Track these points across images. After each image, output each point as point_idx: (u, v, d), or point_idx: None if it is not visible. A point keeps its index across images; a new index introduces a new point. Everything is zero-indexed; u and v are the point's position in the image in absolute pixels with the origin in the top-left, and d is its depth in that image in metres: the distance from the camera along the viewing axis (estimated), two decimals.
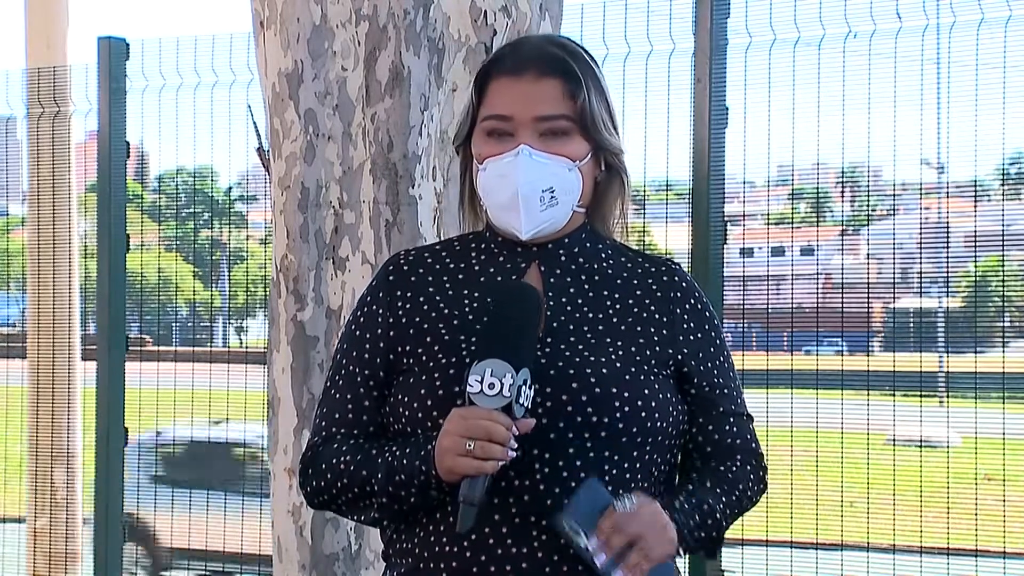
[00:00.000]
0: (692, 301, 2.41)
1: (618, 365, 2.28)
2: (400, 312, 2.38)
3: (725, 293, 5.08)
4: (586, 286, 2.38)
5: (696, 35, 4.98)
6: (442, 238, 3.40)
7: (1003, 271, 5.15)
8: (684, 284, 2.42)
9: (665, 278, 2.41)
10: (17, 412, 7.42)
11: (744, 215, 5.56)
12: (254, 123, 4.54)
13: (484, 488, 2.15)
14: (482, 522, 2.20)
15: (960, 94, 4.91)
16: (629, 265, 2.42)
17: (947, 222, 5.21)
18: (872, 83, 5.00)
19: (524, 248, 2.40)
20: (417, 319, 2.36)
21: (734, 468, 2.37)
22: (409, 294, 2.39)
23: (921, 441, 5.13)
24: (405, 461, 2.24)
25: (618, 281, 2.40)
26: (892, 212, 5.68)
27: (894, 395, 5.13)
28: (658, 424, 2.28)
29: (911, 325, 5.86)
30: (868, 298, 5.74)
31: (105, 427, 6.22)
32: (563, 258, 2.39)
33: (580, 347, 2.29)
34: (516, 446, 2.16)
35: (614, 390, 2.25)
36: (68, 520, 7.04)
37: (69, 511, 7.03)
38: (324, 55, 3.76)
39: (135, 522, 6.60)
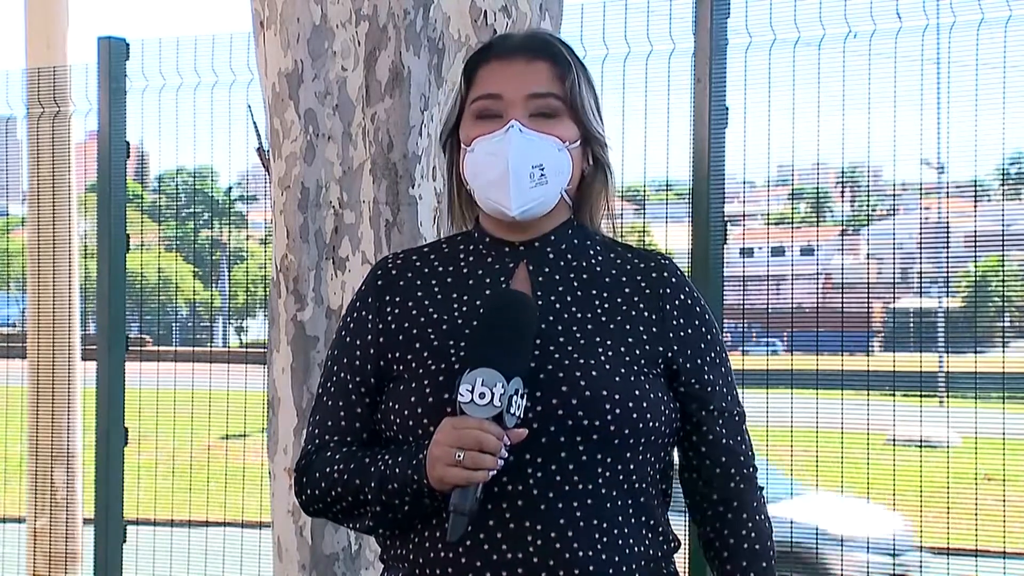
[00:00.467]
0: (682, 297, 2.40)
1: (608, 367, 2.27)
2: (389, 318, 2.37)
3: (725, 293, 5.08)
4: (575, 284, 2.36)
5: (696, 35, 4.98)
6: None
7: (1003, 271, 5.14)
8: (674, 279, 2.40)
9: (654, 274, 2.40)
10: (17, 412, 7.42)
11: (744, 215, 5.56)
12: (254, 123, 4.54)
13: (475, 497, 2.15)
14: (477, 527, 2.20)
15: (960, 94, 4.91)
16: (618, 261, 2.41)
17: (947, 222, 5.21)
18: (872, 83, 4.99)
19: (512, 247, 2.38)
20: (406, 325, 2.35)
21: (748, 521, 2.39)
22: (398, 299, 2.38)
23: (921, 441, 5.13)
24: (398, 470, 2.23)
25: (607, 279, 2.38)
26: (892, 212, 5.68)
27: (894, 395, 5.13)
28: (651, 424, 2.27)
29: (911, 325, 5.86)
30: (868, 298, 5.74)
31: (105, 427, 6.22)
32: (551, 256, 2.38)
33: (570, 349, 2.28)
34: (506, 455, 2.15)
35: (605, 392, 2.24)
36: (68, 520, 7.04)
37: (69, 511, 7.03)
38: (324, 55, 3.76)
39: None
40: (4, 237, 8.37)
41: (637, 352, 2.31)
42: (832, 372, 5.14)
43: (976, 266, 5.23)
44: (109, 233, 6.22)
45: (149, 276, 7.50)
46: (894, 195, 5.51)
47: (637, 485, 2.28)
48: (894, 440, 5.19)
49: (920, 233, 5.22)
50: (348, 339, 2.40)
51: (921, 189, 5.30)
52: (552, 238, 2.39)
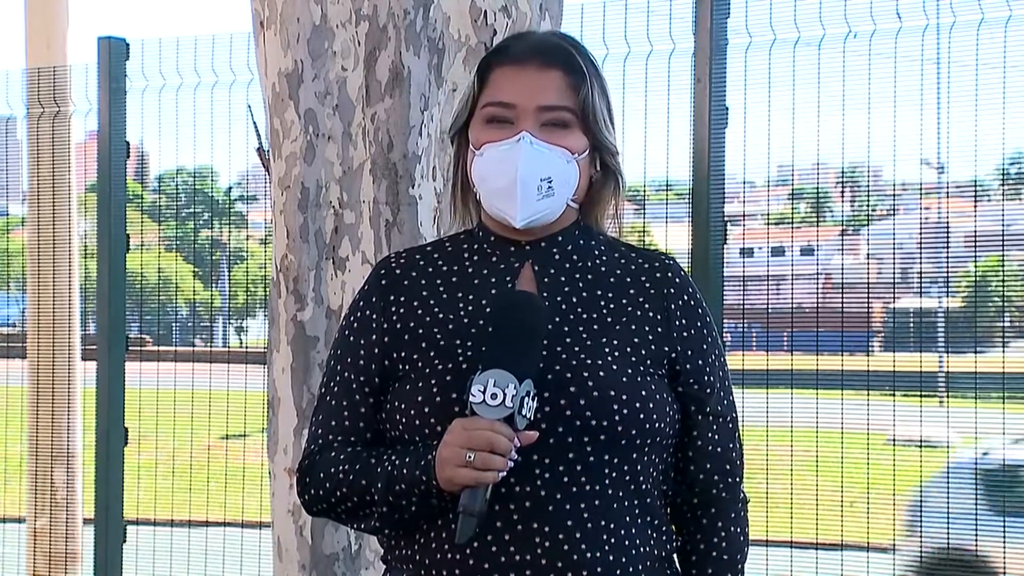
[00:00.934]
0: (685, 297, 2.40)
1: (615, 367, 2.27)
2: (394, 317, 2.36)
3: (725, 293, 5.08)
4: (580, 285, 2.36)
5: (696, 35, 4.98)
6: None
7: (1003, 271, 5.15)
8: (678, 280, 2.40)
9: (659, 274, 2.40)
10: (17, 412, 7.42)
11: (744, 215, 5.56)
12: (254, 123, 4.54)
13: (485, 499, 2.14)
14: (484, 528, 2.19)
15: (960, 94, 4.91)
16: (623, 261, 2.41)
17: (947, 222, 5.21)
18: (872, 83, 5.00)
19: (517, 247, 2.38)
20: (412, 324, 2.34)
21: (722, 531, 2.39)
22: (403, 298, 2.37)
23: (921, 441, 5.13)
24: (405, 471, 2.22)
25: (612, 279, 2.38)
26: (892, 212, 5.68)
27: (894, 395, 5.13)
28: (656, 425, 2.27)
29: (911, 325, 5.86)
30: (868, 298, 5.74)
31: (105, 427, 6.22)
32: (556, 256, 2.38)
33: (576, 349, 2.28)
34: (516, 457, 2.15)
35: (612, 393, 2.24)
36: (68, 520, 7.04)
37: (69, 511, 7.03)
38: (324, 55, 3.76)
39: None
40: (4, 237, 8.38)
41: (643, 352, 2.32)
42: (832, 372, 5.14)
43: (976, 266, 5.23)
44: (109, 233, 6.22)
45: (149, 276, 7.50)
46: (894, 195, 5.52)
47: (643, 486, 2.28)
48: (894, 440, 5.19)
49: (920, 233, 5.23)
50: (352, 338, 2.39)
51: (921, 189, 5.31)
52: (559, 239, 2.39)
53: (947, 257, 5.17)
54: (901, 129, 4.94)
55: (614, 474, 2.25)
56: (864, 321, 5.63)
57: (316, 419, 2.41)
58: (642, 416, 2.25)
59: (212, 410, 6.57)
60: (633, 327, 2.34)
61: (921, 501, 5.01)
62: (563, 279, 2.37)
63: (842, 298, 5.39)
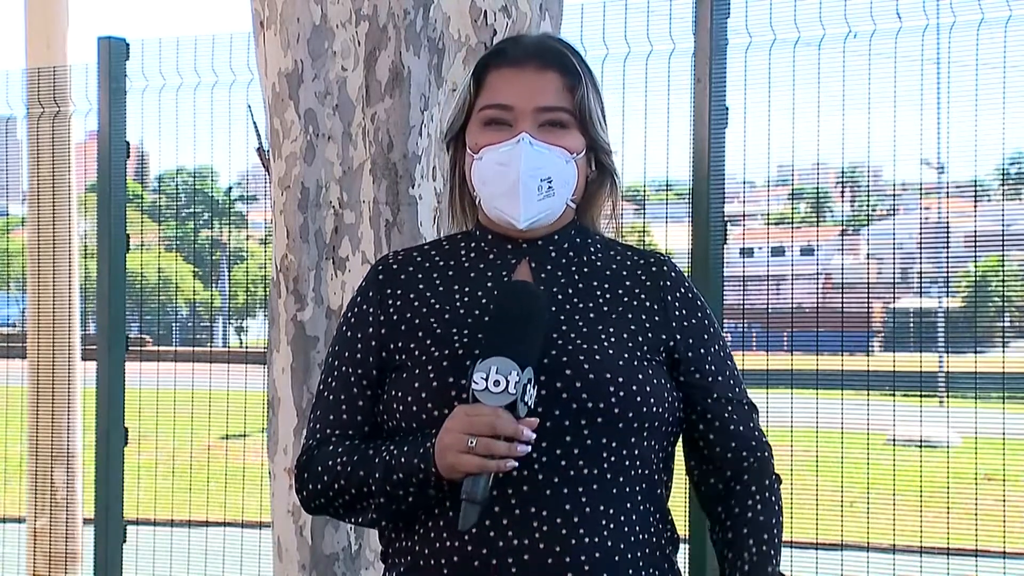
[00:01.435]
0: (682, 290, 2.42)
1: (611, 352, 2.28)
2: (391, 310, 2.38)
3: (725, 293, 5.08)
4: (576, 278, 2.38)
5: (696, 35, 4.98)
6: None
7: (1003, 271, 5.15)
8: (674, 274, 2.43)
9: (654, 268, 2.42)
10: (17, 412, 7.42)
11: (744, 215, 5.56)
12: (254, 123, 4.54)
13: (487, 486, 2.14)
14: (482, 515, 2.19)
15: (960, 94, 4.91)
16: (618, 258, 2.43)
17: (947, 222, 5.21)
18: (872, 83, 5.00)
19: (514, 245, 2.40)
20: (408, 315, 2.36)
21: (756, 494, 2.37)
22: (399, 292, 2.39)
23: (921, 441, 5.13)
24: (403, 459, 2.23)
25: (608, 272, 2.40)
26: (892, 212, 5.68)
27: (894, 395, 5.13)
28: (654, 409, 2.28)
29: (911, 325, 5.86)
30: (868, 298, 5.74)
31: (105, 427, 6.22)
32: (553, 254, 2.40)
33: (573, 336, 2.29)
34: (528, 448, 2.15)
35: (608, 376, 2.25)
36: (68, 520, 7.04)
37: (69, 511, 7.03)
38: (324, 55, 3.76)
39: None
40: (4, 237, 8.38)
41: (640, 339, 2.33)
42: (832, 372, 5.14)
43: (976, 266, 5.23)
44: (109, 233, 6.22)
45: (149, 276, 7.50)
46: (894, 195, 5.52)
47: (642, 472, 2.29)
48: (894, 440, 5.19)
49: (920, 233, 5.22)
50: (349, 333, 2.41)
51: (921, 189, 5.30)
52: (555, 237, 2.42)
53: (947, 257, 5.17)
54: (901, 129, 4.94)
55: (612, 458, 2.25)
56: (864, 321, 5.63)
57: (314, 414, 2.42)
58: (639, 399, 2.26)
59: (212, 410, 6.57)
60: (630, 315, 2.35)
61: None
62: (559, 273, 2.39)
63: (842, 298, 5.39)
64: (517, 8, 3.79)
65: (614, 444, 2.26)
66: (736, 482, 2.38)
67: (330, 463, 2.32)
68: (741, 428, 2.39)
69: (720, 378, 2.39)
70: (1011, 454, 4.89)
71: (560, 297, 2.35)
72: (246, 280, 7.46)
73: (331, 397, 2.40)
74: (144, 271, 7.39)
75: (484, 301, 2.33)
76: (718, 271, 5.00)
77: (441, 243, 2.48)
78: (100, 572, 6.30)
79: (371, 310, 2.39)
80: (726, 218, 5.06)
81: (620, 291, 2.38)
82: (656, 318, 2.37)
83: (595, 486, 2.24)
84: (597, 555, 2.22)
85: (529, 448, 2.15)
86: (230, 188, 8.10)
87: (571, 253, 2.41)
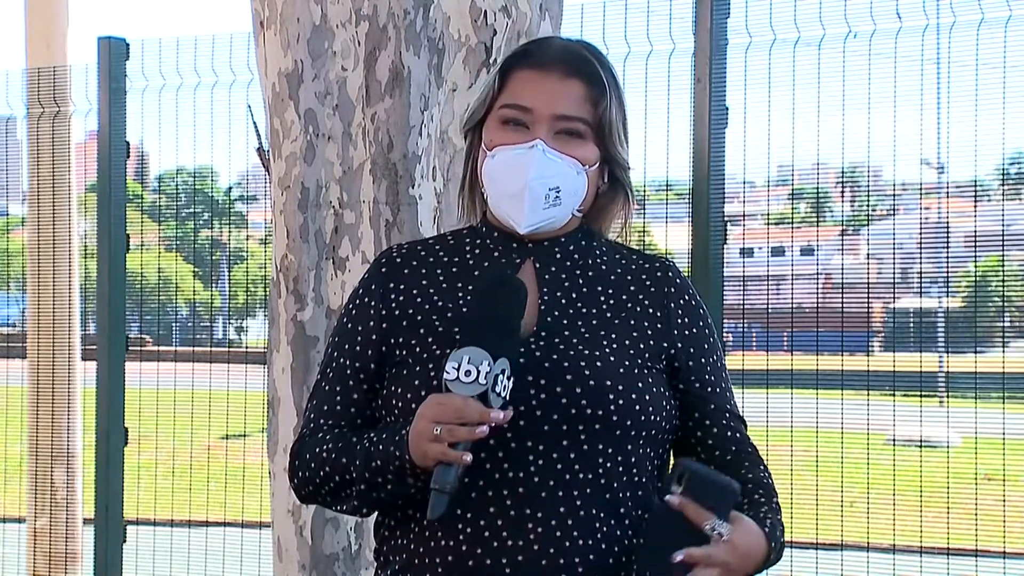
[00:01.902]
0: (686, 298, 2.41)
1: (612, 359, 2.28)
2: (393, 304, 2.38)
3: (725, 293, 5.08)
4: (580, 282, 2.38)
5: (696, 35, 4.98)
6: None
7: (1003, 271, 5.15)
8: (678, 281, 2.42)
9: (659, 274, 2.42)
10: (17, 412, 7.42)
11: (744, 215, 5.56)
12: (254, 123, 4.54)
13: (457, 476, 2.14)
14: (478, 515, 2.21)
15: (960, 94, 4.92)
16: (623, 262, 2.43)
17: (947, 222, 5.21)
18: (872, 83, 5.00)
19: (520, 244, 2.40)
20: (410, 311, 2.36)
21: (763, 475, 2.36)
22: (402, 286, 2.39)
23: (921, 441, 5.13)
24: (381, 447, 2.24)
25: (612, 277, 2.40)
26: (892, 212, 5.68)
27: (894, 395, 5.13)
28: (652, 417, 2.29)
29: (911, 325, 5.86)
30: (868, 298, 5.74)
31: (105, 427, 6.22)
32: (558, 255, 2.40)
33: (574, 340, 2.30)
34: (486, 429, 2.15)
35: (608, 383, 2.26)
36: (68, 520, 7.04)
37: (69, 511, 7.03)
38: (324, 55, 3.76)
39: None
40: (4, 237, 8.38)
41: (641, 347, 2.33)
42: (832, 372, 5.14)
43: (976, 266, 5.23)
44: (109, 233, 6.22)
45: (149, 276, 7.50)
46: (894, 195, 5.52)
47: (637, 478, 2.29)
48: (894, 440, 5.19)
49: (920, 233, 5.23)
50: (349, 325, 2.41)
51: (921, 189, 5.31)
52: (561, 240, 2.41)
53: (947, 257, 5.17)
54: (901, 129, 4.95)
55: (608, 464, 2.26)
56: (864, 321, 5.63)
57: (310, 404, 2.43)
58: (638, 407, 2.27)
59: (212, 410, 6.57)
60: (632, 322, 2.35)
61: None
62: (563, 276, 2.38)
63: (842, 298, 5.39)
64: (517, 8, 3.79)
65: (610, 450, 2.26)
66: (733, 474, 2.38)
67: (318, 450, 2.34)
68: (739, 435, 2.40)
69: (718, 389, 2.40)
70: (1011, 454, 4.89)
71: (563, 301, 2.35)
72: (246, 280, 7.46)
73: (327, 388, 2.41)
74: (144, 271, 7.39)
75: (471, 293, 2.34)
76: (718, 271, 5.00)
77: (446, 237, 2.47)
78: (100, 572, 6.30)
79: (373, 303, 2.39)
80: (726, 218, 5.06)
81: (624, 296, 2.38)
82: (658, 325, 2.37)
83: (590, 490, 2.24)
84: (591, 557, 2.23)
85: (487, 430, 2.15)
86: (230, 188, 8.10)
87: (576, 256, 2.40)
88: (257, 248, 7.58)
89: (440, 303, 2.35)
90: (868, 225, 5.86)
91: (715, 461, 2.38)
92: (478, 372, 2.14)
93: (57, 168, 6.91)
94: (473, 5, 3.73)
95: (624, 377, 2.27)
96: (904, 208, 5.59)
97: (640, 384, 2.28)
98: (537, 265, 2.38)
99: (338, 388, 2.39)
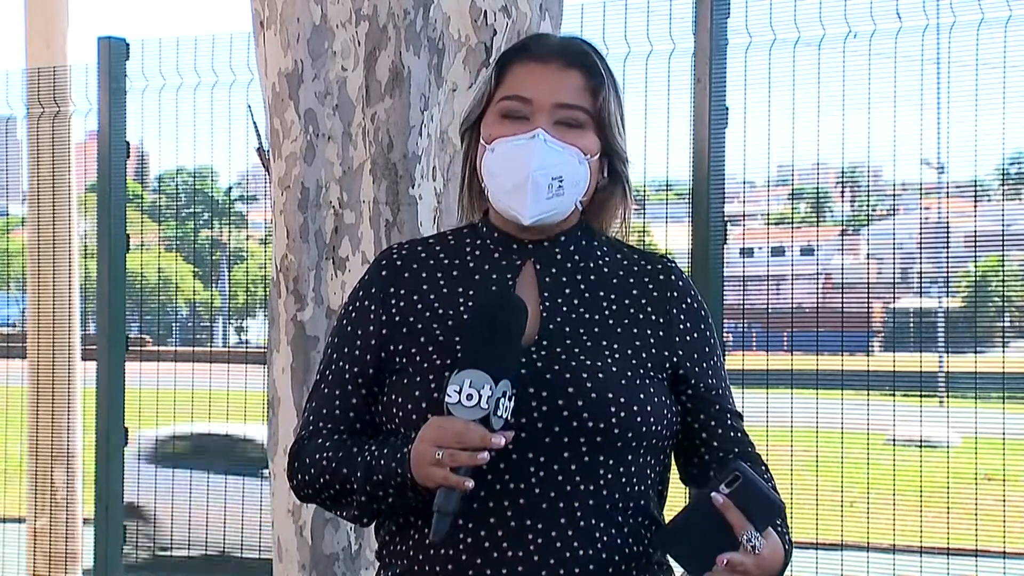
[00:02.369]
0: (688, 300, 2.40)
1: (614, 369, 2.27)
2: (393, 310, 2.36)
3: (725, 293, 5.08)
4: (582, 286, 2.36)
5: (696, 35, 4.98)
6: None
7: (1003, 271, 5.15)
8: (680, 283, 2.41)
9: (662, 276, 2.40)
10: (17, 412, 7.42)
11: (744, 215, 5.56)
12: (254, 123, 4.53)
13: (459, 499, 2.15)
14: (478, 526, 2.21)
15: (960, 94, 4.91)
16: (625, 263, 2.41)
17: (947, 222, 5.21)
18: (872, 83, 5.00)
19: (520, 244, 2.38)
20: (411, 318, 2.34)
21: (764, 475, 2.35)
22: (403, 291, 2.37)
23: (921, 441, 5.13)
24: (383, 462, 2.24)
25: (614, 280, 2.38)
26: (892, 212, 5.68)
27: (894, 395, 5.13)
28: (653, 428, 2.28)
29: (911, 325, 5.86)
30: (868, 298, 5.74)
31: (105, 427, 6.22)
32: (559, 256, 2.38)
33: (576, 350, 2.28)
34: (487, 456, 2.15)
35: (610, 394, 2.24)
36: (68, 520, 7.04)
37: (69, 511, 7.03)
38: (324, 55, 3.76)
39: None
40: (4, 237, 8.38)
41: (643, 355, 2.32)
42: (832, 372, 5.14)
43: (976, 266, 5.24)
44: (109, 233, 6.22)
45: (149, 276, 7.50)
46: (894, 195, 5.52)
47: (637, 487, 2.29)
48: (894, 440, 5.19)
49: (920, 233, 5.23)
50: (349, 328, 2.40)
51: (921, 189, 5.31)
52: (562, 239, 2.39)
53: (947, 257, 5.17)
54: (901, 129, 4.95)
55: (609, 475, 2.25)
56: (864, 321, 5.63)
57: (309, 405, 2.42)
58: (639, 419, 2.26)
59: (212, 410, 6.57)
60: (635, 330, 2.34)
61: None
62: (564, 279, 2.36)
63: (842, 298, 5.39)
64: (517, 8, 3.79)
65: (611, 461, 2.26)
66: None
67: (317, 456, 2.33)
68: (739, 435, 2.40)
69: (720, 391, 2.39)
70: (1011, 454, 4.89)
71: (565, 308, 2.33)
72: (246, 280, 7.46)
73: (326, 390, 2.40)
74: (144, 271, 7.38)
75: (471, 314, 2.32)
76: (718, 271, 5.00)
77: (446, 237, 2.45)
78: (100, 572, 6.30)
79: (373, 307, 2.38)
80: (726, 218, 5.06)
81: (626, 301, 2.36)
82: (660, 333, 2.35)
83: (591, 501, 2.24)
84: (591, 567, 2.22)
85: (488, 457, 2.15)
86: (230, 188, 8.10)
87: (577, 257, 2.39)
88: (257, 248, 7.58)
89: (440, 310, 2.33)
90: (868, 225, 5.86)
91: (717, 460, 2.38)
92: (480, 396, 2.14)
93: (57, 168, 6.91)
94: (473, 5, 3.73)
95: (626, 388, 2.26)
96: (904, 208, 5.59)
97: (642, 395, 2.27)
98: (538, 267, 2.37)
99: (337, 392, 2.38)
